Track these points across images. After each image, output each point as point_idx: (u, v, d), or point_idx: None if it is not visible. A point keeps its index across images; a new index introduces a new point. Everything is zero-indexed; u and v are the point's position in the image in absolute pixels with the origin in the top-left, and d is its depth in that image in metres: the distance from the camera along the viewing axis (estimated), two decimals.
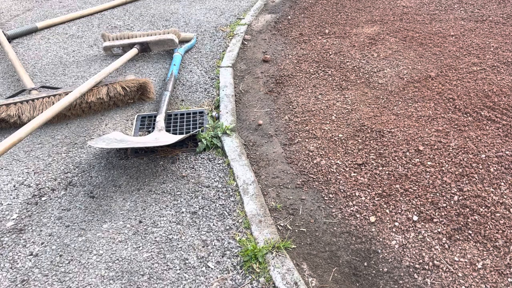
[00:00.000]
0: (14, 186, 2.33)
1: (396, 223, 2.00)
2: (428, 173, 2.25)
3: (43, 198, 2.23)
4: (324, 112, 2.81)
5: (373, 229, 1.98)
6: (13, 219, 2.11)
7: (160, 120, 2.69)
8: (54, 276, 1.80)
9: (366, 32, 3.75)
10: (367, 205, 2.11)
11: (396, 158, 2.37)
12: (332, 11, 4.24)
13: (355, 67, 3.26)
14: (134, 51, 3.46)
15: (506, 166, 2.24)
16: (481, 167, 2.26)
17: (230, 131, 2.62)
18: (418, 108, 2.75)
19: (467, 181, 2.18)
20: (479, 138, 2.45)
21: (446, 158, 2.34)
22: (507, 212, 2.00)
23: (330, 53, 3.48)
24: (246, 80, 3.28)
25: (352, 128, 2.65)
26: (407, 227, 1.98)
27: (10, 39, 4.04)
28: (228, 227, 2.00)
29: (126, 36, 3.68)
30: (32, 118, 2.73)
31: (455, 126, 2.56)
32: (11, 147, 2.22)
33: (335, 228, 2.00)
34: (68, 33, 4.21)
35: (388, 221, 2.02)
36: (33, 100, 2.83)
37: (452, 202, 2.08)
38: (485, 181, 2.18)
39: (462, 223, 1.98)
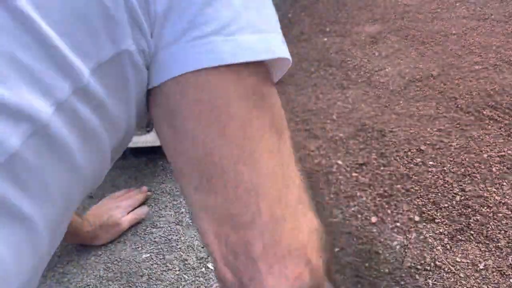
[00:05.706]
0: None
1: (398, 224, 1.99)
2: (429, 173, 2.23)
3: None
4: (325, 112, 2.79)
5: (374, 230, 1.97)
6: None
7: None
8: (52, 277, 1.78)
9: (367, 30, 3.72)
10: (368, 205, 2.09)
11: (397, 157, 2.36)
12: (333, 9, 4.21)
13: (356, 66, 3.24)
14: None
15: (509, 166, 2.23)
16: (483, 167, 2.24)
17: None
18: (419, 107, 2.73)
19: (469, 181, 2.16)
20: (481, 137, 2.43)
21: (448, 158, 2.32)
22: (510, 212, 1.99)
23: (331, 51, 3.46)
24: None
25: (353, 128, 2.63)
26: (408, 227, 1.97)
27: None
28: None
29: None
30: None
31: (457, 126, 2.54)
32: None
33: (336, 229, 1.99)
34: None
35: (390, 222, 2.00)
36: None
37: (454, 202, 2.06)
38: (487, 181, 2.16)
39: (464, 223, 1.96)
